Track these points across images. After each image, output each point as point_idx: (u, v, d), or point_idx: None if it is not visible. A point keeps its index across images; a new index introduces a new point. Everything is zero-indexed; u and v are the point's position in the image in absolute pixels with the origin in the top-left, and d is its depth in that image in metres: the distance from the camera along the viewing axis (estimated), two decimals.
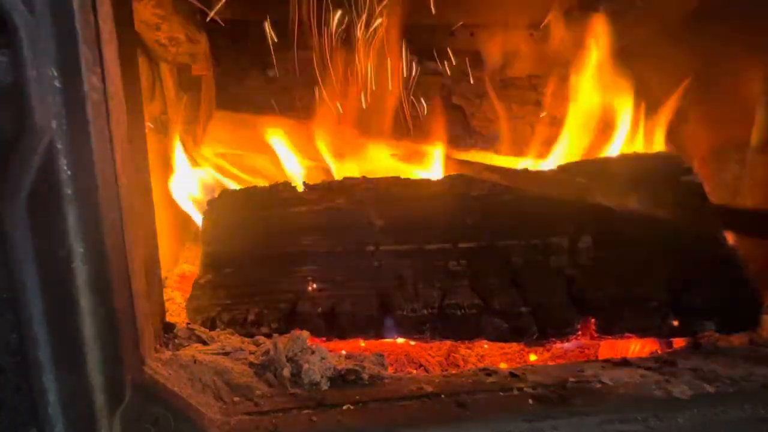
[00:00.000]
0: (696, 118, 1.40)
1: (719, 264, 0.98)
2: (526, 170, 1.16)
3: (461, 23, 1.88)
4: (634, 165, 1.10)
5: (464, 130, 1.84)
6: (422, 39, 1.88)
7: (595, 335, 0.92)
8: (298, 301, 0.94)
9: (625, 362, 0.84)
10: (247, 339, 0.87)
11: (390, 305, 0.93)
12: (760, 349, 0.86)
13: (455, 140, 1.80)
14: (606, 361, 0.85)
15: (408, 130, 1.74)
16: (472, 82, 1.80)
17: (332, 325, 0.91)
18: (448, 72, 1.80)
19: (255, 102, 1.82)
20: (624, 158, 1.14)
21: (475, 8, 1.80)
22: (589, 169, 1.10)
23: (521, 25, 1.90)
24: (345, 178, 1.11)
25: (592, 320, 0.92)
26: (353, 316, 0.92)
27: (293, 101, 1.80)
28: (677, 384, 0.75)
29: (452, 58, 1.81)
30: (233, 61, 1.84)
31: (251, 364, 0.78)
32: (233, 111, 1.77)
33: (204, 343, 0.85)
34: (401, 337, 0.93)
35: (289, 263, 0.99)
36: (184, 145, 1.46)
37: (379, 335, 0.92)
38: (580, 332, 0.92)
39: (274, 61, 1.75)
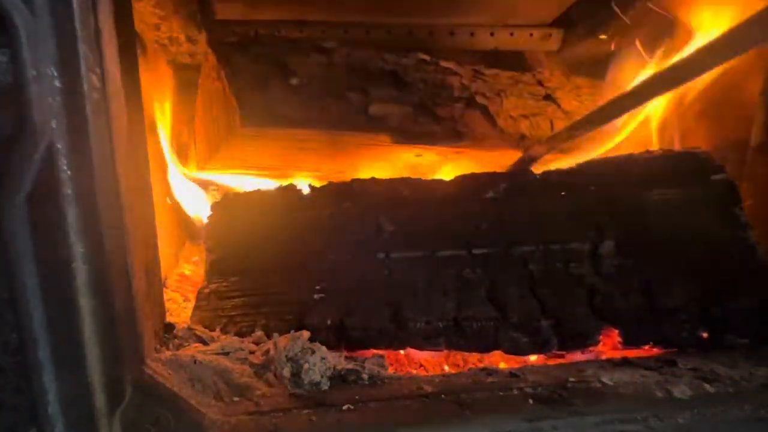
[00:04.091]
0: (695, 118, 1.40)
1: (752, 272, 0.92)
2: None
3: (460, 23, 1.87)
4: (661, 162, 1.04)
5: (491, 129, 1.80)
6: (422, 40, 1.87)
7: (618, 346, 0.89)
8: (306, 312, 0.90)
9: (625, 362, 0.83)
10: (247, 339, 0.87)
11: (402, 317, 0.89)
12: (761, 349, 0.86)
13: (484, 140, 1.76)
14: (606, 361, 0.85)
15: (439, 133, 1.69)
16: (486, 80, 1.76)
17: (342, 338, 0.88)
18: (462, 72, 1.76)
19: (280, 115, 1.69)
20: (649, 155, 1.08)
21: (474, 8, 1.79)
22: (613, 166, 1.05)
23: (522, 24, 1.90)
24: (353, 180, 1.06)
25: (615, 331, 0.89)
26: (364, 329, 0.88)
27: (322, 111, 1.69)
28: (677, 384, 0.75)
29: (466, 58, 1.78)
30: (250, 71, 1.71)
31: (251, 364, 0.78)
32: (256, 127, 1.66)
33: (204, 343, 0.85)
34: (415, 348, 0.90)
35: (296, 271, 0.95)
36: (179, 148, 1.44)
37: (391, 348, 0.89)
38: (602, 343, 0.89)
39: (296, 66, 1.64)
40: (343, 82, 1.69)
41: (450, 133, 1.72)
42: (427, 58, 1.71)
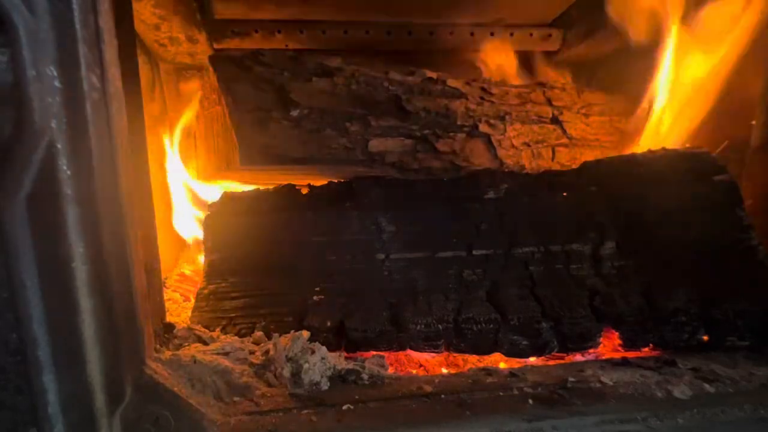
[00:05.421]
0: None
1: (754, 273, 0.92)
2: None
3: (460, 23, 1.87)
4: (663, 162, 1.04)
5: (491, 161, 1.74)
6: (422, 40, 1.86)
7: (619, 347, 0.89)
8: (306, 314, 0.90)
9: (625, 362, 0.84)
10: (247, 339, 0.87)
11: (402, 319, 0.89)
12: (761, 349, 0.86)
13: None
14: (606, 361, 0.85)
15: (437, 168, 1.62)
16: (494, 101, 1.69)
17: (342, 340, 0.88)
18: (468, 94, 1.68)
19: (279, 152, 1.50)
20: (652, 155, 1.07)
21: (474, 8, 1.79)
22: (615, 166, 1.05)
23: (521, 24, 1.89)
24: (353, 180, 1.05)
25: (616, 333, 0.88)
26: (364, 331, 0.88)
27: (321, 146, 1.52)
28: (677, 384, 0.75)
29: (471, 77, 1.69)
30: (250, 100, 1.53)
31: (251, 364, 0.78)
32: (255, 165, 1.63)
33: (204, 343, 0.85)
34: (414, 351, 0.90)
35: (296, 272, 0.95)
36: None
37: (391, 350, 0.89)
38: (602, 344, 0.88)
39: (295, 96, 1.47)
40: (344, 112, 1.62)
41: (448, 168, 1.67)
42: (434, 76, 1.66)
